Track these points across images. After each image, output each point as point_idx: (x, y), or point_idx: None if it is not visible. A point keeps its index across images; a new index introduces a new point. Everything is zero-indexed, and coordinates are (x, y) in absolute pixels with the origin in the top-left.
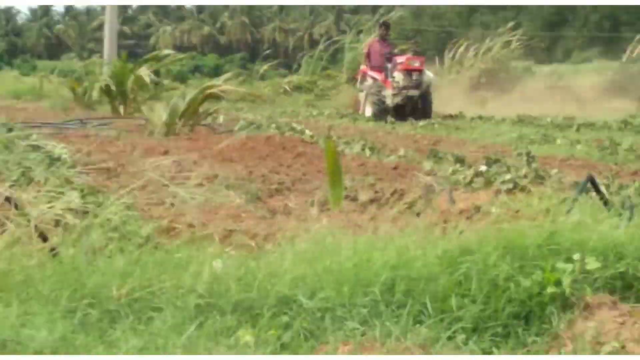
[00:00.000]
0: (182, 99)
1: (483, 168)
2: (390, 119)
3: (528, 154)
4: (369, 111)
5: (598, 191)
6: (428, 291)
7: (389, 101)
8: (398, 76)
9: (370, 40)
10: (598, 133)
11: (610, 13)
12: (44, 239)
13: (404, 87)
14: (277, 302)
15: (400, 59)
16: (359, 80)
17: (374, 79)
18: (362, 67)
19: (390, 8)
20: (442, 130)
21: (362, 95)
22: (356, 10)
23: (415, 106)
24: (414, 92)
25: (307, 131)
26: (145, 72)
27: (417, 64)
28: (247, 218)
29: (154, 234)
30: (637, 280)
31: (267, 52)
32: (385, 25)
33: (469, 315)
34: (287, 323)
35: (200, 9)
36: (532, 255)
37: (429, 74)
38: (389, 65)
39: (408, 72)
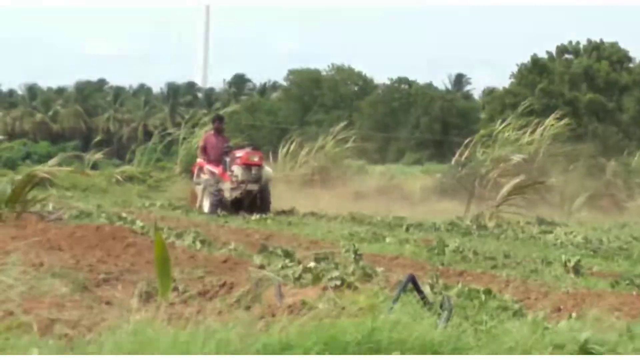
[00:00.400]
0: (9, 184)
1: (312, 264)
2: (222, 212)
3: (356, 251)
4: (206, 205)
5: (419, 291)
6: None
7: (227, 195)
8: (237, 170)
9: (205, 134)
10: (426, 233)
11: (440, 117)
12: None
13: (243, 181)
14: None
15: (239, 153)
16: (195, 173)
17: (212, 172)
18: (199, 160)
19: (226, 103)
20: (274, 225)
21: (199, 189)
22: (191, 103)
23: (253, 201)
24: (253, 187)
25: (138, 222)
26: None
27: (256, 159)
28: (71, 307)
29: None
30: None
31: (100, 139)
32: (220, 119)
33: None
34: None
35: (32, 95)
36: (352, 352)
37: (267, 169)
38: (227, 159)
39: (247, 166)
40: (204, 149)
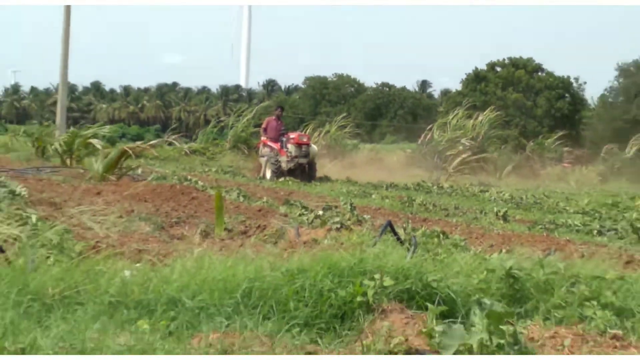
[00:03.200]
0: (114, 156)
1: (320, 212)
2: (280, 179)
3: (351, 204)
4: (268, 173)
5: (394, 232)
6: (274, 297)
7: (284, 166)
8: (291, 148)
9: (268, 118)
10: (400, 192)
11: (412, 109)
12: (1, 250)
13: (296, 156)
14: (167, 301)
15: (292, 135)
16: (260, 148)
17: (273, 148)
18: (263, 138)
19: (262, 99)
20: (294, 186)
21: (263, 161)
22: (237, 100)
23: (303, 170)
24: (303, 160)
25: (199, 182)
26: (96, 141)
27: (305, 139)
28: (153, 241)
29: (83, 251)
30: (418, 294)
31: (174, 126)
32: (282, 108)
33: (302, 315)
34: (174, 317)
35: (127, 92)
36: (347, 274)
37: (314, 147)
38: (284, 139)
39: (299, 145)
40: (265, 130)
